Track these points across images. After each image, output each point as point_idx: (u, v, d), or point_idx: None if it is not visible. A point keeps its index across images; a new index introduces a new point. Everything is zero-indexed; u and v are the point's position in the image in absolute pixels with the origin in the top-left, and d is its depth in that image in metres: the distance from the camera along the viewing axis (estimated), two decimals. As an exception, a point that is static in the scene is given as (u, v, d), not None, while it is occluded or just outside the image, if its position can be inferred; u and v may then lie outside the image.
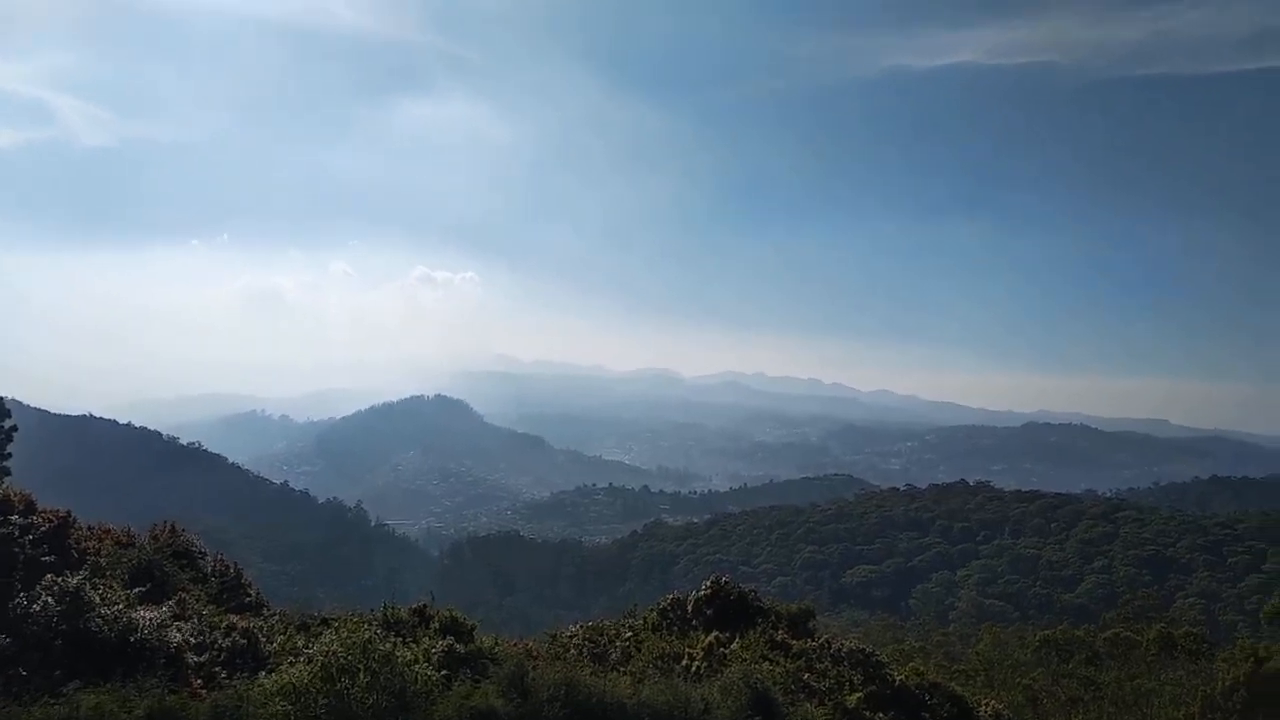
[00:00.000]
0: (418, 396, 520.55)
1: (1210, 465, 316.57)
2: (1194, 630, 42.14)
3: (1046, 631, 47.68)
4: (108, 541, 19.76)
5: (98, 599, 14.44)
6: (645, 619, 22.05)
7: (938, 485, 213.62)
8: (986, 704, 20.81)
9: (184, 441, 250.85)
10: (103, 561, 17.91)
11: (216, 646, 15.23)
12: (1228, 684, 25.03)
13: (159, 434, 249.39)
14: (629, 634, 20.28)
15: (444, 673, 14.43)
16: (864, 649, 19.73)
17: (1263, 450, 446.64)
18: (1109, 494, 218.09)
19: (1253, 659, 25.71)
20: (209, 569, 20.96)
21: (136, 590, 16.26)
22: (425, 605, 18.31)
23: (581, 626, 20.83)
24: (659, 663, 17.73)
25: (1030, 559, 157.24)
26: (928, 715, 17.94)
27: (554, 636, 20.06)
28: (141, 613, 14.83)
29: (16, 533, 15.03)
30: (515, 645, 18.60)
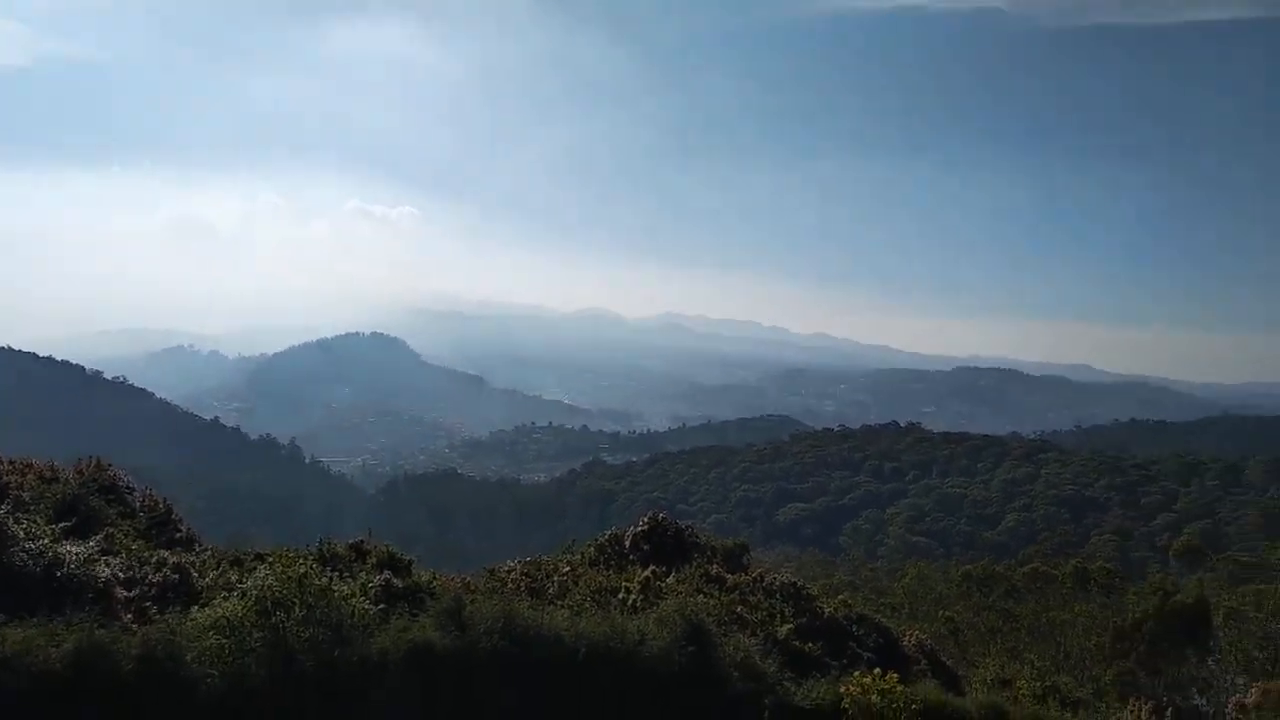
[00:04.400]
0: (353, 333, 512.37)
1: (1131, 409, 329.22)
2: (1107, 566, 44.21)
3: (968, 567, 49.58)
4: (30, 476, 19.14)
5: (21, 533, 14.05)
6: (583, 554, 22.29)
7: (870, 426, 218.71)
8: (911, 634, 21.59)
9: (109, 376, 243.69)
10: (25, 496, 17.37)
11: (147, 582, 14.98)
12: (1137, 616, 26.37)
13: (82, 368, 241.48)
14: (567, 569, 20.47)
15: (381, 606, 14.44)
16: (795, 583, 20.24)
17: (1181, 395, 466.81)
18: (1033, 436, 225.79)
19: (1161, 593, 27.11)
20: (137, 504, 20.46)
21: (62, 525, 15.86)
22: (362, 541, 18.20)
23: (519, 562, 20.93)
24: (596, 596, 17.97)
25: (956, 498, 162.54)
26: (855, 645, 18.54)
27: (492, 571, 20.12)
28: (68, 547, 14.49)
29: (-69, 466, 14.53)
30: (453, 580, 18.65)
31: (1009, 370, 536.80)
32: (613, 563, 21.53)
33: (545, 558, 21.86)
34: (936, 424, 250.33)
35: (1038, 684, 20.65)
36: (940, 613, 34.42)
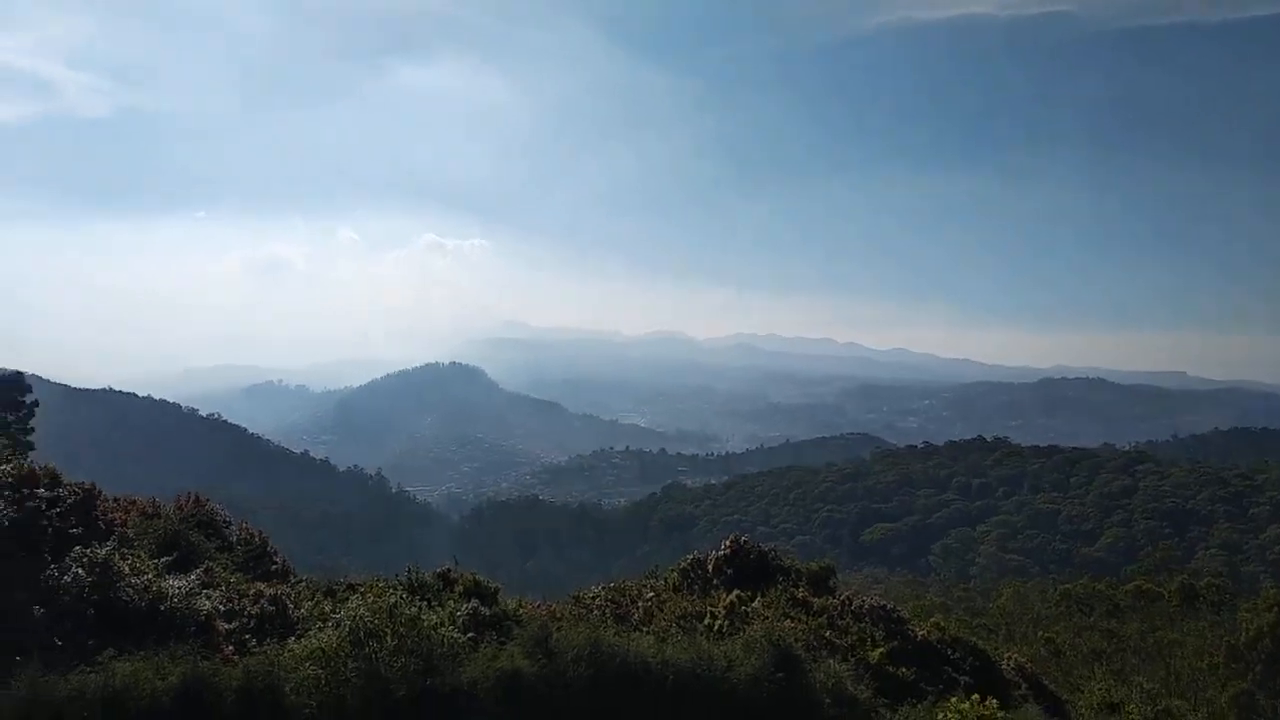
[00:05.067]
0: (433, 364, 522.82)
1: (1229, 417, 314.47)
2: (1216, 582, 42.13)
3: (1067, 585, 47.83)
4: (134, 513, 19.90)
5: (127, 569, 14.58)
6: (667, 579, 22.16)
7: (954, 443, 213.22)
8: (1009, 657, 20.87)
9: (204, 413, 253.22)
10: (130, 532, 18.05)
11: (245, 614, 15.38)
12: (1252, 634, 25.00)
13: (178, 406, 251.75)
14: (651, 594, 20.36)
15: (470, 635, 14.55)
16: (885, 605, 19.75)
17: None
18: (1127, 448, 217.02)
19: (1277, 608, 25.63)
20: (234, 538, 21.12)
21: (164, 560, 16.42)
22: (449, 569, 18.40)
23: (604, 588, 20.90)
24: (681, 622, 17.82)
25: (1049, 514, 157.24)
26: (950, 669, 17.99)
27: (577, 598, 20.15)
28: (170, 582, 14.98)
29: (43, 506, 15.15)
30: (539, 607, 18.72)
31: (1097, 380, 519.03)
32: (696, 587, 21.35)
33: (629, 583, 21.76)
34: (1024, 438, 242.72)
35: (1149, 708, 19.71)
36: (1039, 634, 33.15)
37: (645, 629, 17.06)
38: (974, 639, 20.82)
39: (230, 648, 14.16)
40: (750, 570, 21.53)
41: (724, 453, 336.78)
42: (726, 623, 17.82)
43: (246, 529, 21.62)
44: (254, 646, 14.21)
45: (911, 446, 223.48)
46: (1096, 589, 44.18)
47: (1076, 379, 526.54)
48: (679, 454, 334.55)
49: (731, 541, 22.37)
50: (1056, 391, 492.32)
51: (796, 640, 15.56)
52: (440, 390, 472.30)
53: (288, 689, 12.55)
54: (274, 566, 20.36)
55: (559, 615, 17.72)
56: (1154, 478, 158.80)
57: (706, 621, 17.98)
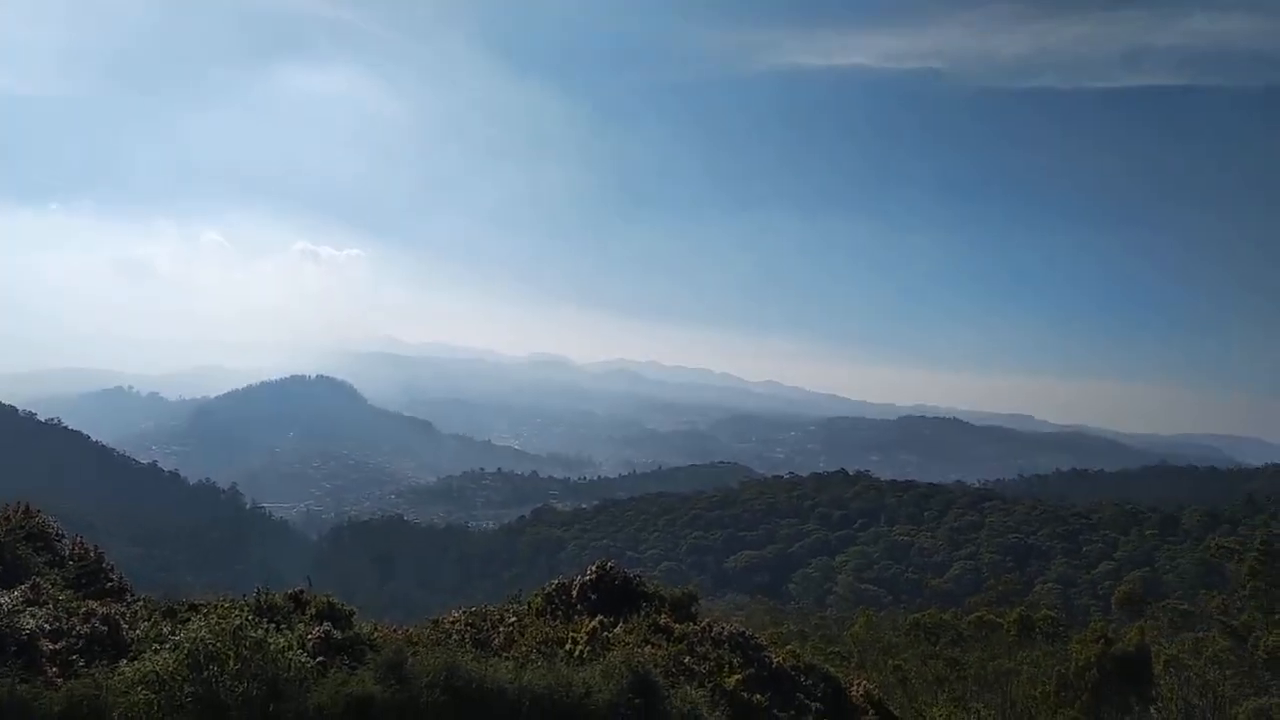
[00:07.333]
0: (299, 376, 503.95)
1: (1071, 459, 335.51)
2: (1051, 614, 44.72)
3: (916, 615, 49.83)
4: (-47, 523, 18.41)
5: (-61, 584, 13.47)
6: (530, 604, 21.92)
7: (819, 474, 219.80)
8: (859, 684, 21.54)
9: (41, 417, 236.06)
10: (-54, 544, 16.69)
11: (74, 634, 14.37)
12: (1080, 664, 26.64)
13: (14, 409, 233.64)
14: (513, 619, 20.10)
15: (319, 660, 14.02)
16: (744, 632, 20.11)
17: (1119, 446, 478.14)
18: (977, 485, 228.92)
19: (1103, 640, 27.42)
20: (67, 552, 19.72)
21: (-16, 575, 15.24)
22: (301, 591, 17.70)
23: (464, 612, 20.50)
24: (542, 648, 17.66)
25: (903, 546, 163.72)
26: (803, 696, 18.44)
27: (435, 622, 19.69)
28: (-10, 598, 13.90)
29: None
30: (395, 631, 18.22)
31: (953, 420, 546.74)
32: (560, 613, 21.20)
33: (491, 607, 21.42)
34: (883, 472, 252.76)
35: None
36: (889, 662, 34.42)
37: (505, 654, 16.82)
38: (827, 666, 21.41)
39: (55, 669, 13.21)
40: (615, 596, 21.53)
41: (597, 477, 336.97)
42: (588, 649, 17.76)
43: (80, 543, 20.23)
44: (81, 668, 13.30)
45: (778, 476, 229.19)
46: (943, 619, 46.26)
47: (934, 418, 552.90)
48: (551, 477, 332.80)
49: (597, 567, 22.33)
50: (915, 429, 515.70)
51: (655, 666, 15.67)
52: (305, 404, 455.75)
53: (115, 715, 11.79)
54: (109, 584, 19.10)
55: (416, 640, 17.28)
56: (1000, 514, 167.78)
57: (568, 647, 17.87)
